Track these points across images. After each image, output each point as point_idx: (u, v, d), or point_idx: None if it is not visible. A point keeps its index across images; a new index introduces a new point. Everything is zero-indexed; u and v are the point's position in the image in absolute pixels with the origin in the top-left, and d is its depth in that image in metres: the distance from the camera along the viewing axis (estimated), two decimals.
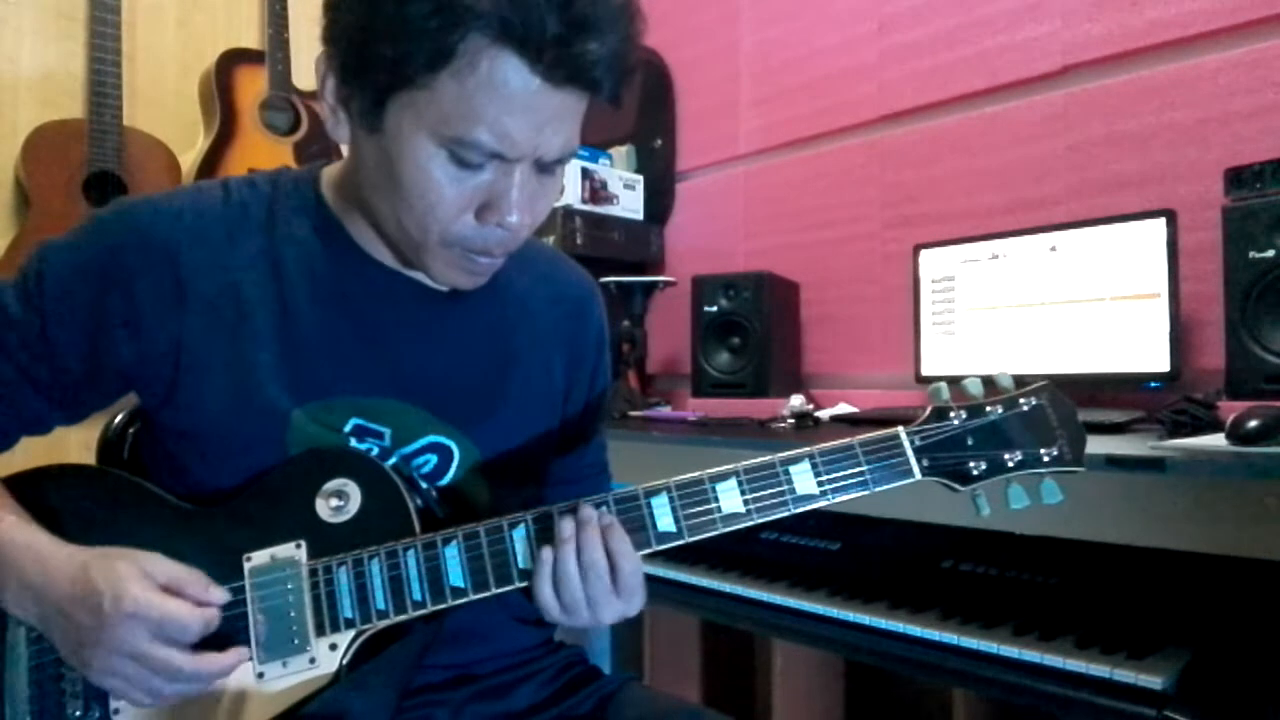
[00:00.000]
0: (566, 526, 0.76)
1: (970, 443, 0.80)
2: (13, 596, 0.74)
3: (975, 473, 0.80)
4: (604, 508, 0.77)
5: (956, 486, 0.80)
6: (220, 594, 0.75)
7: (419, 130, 0.71)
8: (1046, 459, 0.80)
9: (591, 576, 0.75)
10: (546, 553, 0.76)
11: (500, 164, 0.73)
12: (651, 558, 0.78)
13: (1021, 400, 0.81)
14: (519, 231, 0.77)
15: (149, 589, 0.71)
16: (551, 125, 0.72)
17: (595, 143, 2.36)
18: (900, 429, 0.80)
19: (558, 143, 0.74)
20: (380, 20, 0.68)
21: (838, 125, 2.05)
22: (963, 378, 0.82)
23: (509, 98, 0.69)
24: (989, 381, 0.82)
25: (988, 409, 0.81)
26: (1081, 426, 0.82)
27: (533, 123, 0.71)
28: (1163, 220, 1.41)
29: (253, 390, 0.80)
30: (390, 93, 0.71)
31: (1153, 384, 1.41)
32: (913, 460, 0.79)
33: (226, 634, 0.76)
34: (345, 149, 0.83)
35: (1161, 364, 1.40)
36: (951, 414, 0.80)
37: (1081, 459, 0.81)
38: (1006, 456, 0.80)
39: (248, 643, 0.76)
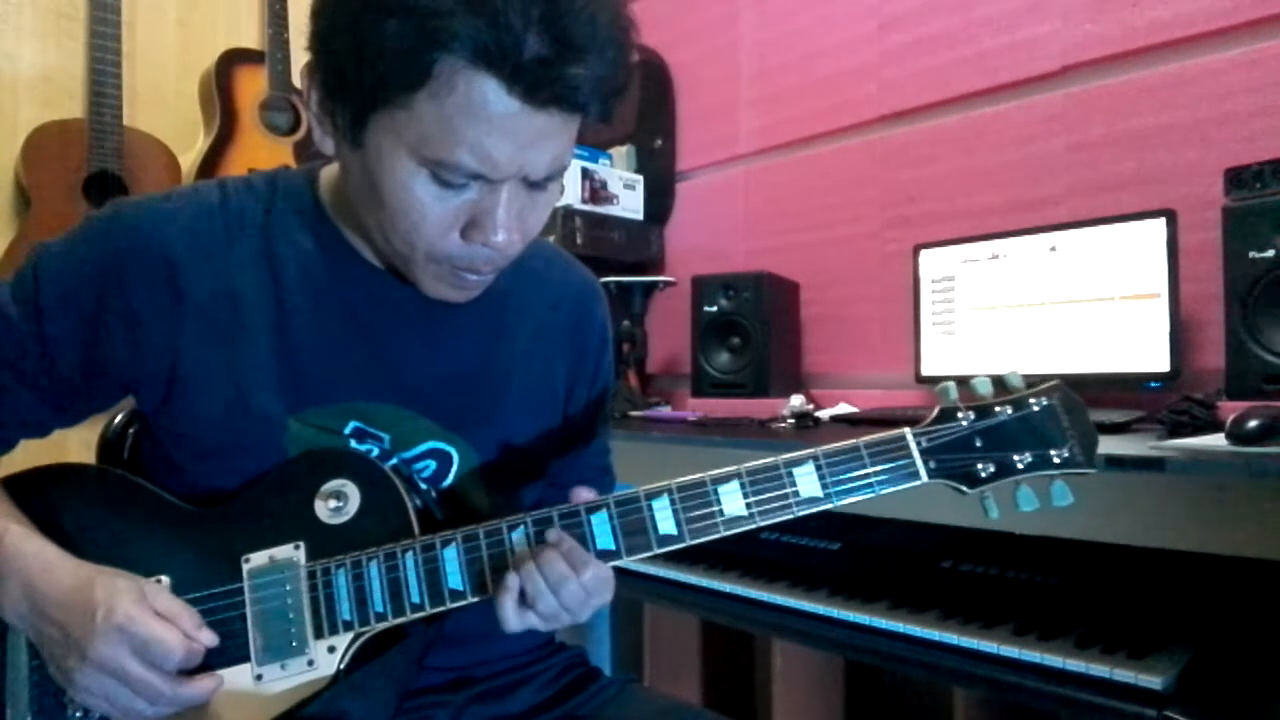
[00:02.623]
0: (524, 552, 0.76)
1: (978, 444, 0.78)
2: (12, 604, 0.74)
3: (984, 475, 0.78)
4: (552, 523, 0.77)
5: (964, 489, 0.78)
6: (209, 637, 0.75)
7: (399, 149, 0.69)
8: (1057, 460, 0.78)
9: (564, 593, 0.74)
10: (512, 579, 0.75)
11: (484, 183, 0.71)
12: (651, 558, 0.78)
13: (1032, 400, 0.79)
14: (507, 250, 0.75)
15: (143, 609, 0.72)
16: (536, 146, 0.70)
17: (595, 143, 2.35)
18: (907, 430, 0.78)
19: (544, 161, 0.72)
20: (356, 39, 0.67)
21: (838, 125, 2.05)
22: (964, 378, 0.81)
23: (488, 119, 0.67)
24: (998, 381, 0.80)
25: (996, 409, 0.79)
26: (1093, 427, 0.80)
27: (515, 144, 0.68)
28: (1163, 220, 1.40)
29: (249, 396, 0.80)
30: (370, 111, 0.70)
31: (1153, 384, 1.41)
32: (919, 462, 0.78)
33: (225, 635, 0.76)
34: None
35: (1161, 364, 1.39)
36: (959, 414, 0.79)
37: (1093, 460, 0.79)
38: (1016, 458, 0.78)
39: (245, 644, 0.76)
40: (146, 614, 0.72)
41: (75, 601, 0.72)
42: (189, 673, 0.74)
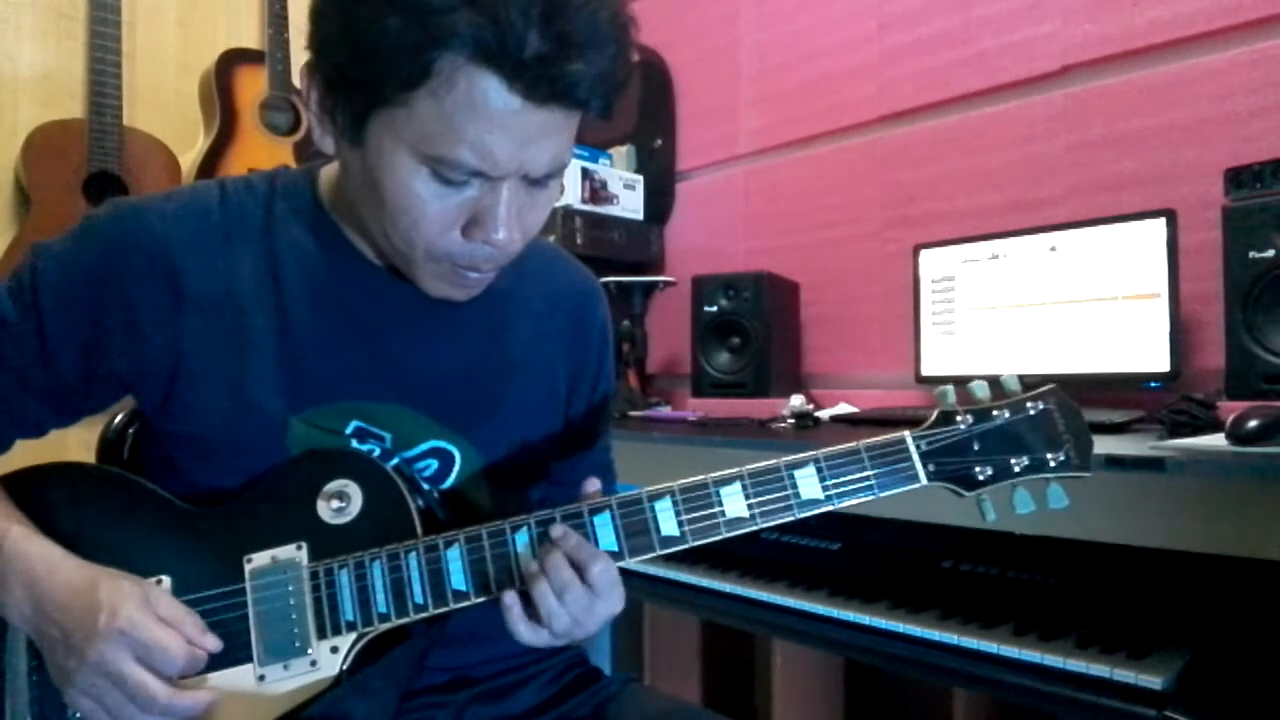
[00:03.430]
0: (532, 564, 0.75)
1: (976, 447, 0.79)
2: (14, 603, 0.74)
3: (981, 478, 0.79)
4: (553, 520, 0.76)
5: (962, 492, 0.79)
6: (213, 642, 0.74)
7: (399, 147, 0.70)
8: (1053, 464, 0.79)
9: (568, 598, 0.74)
10: (510, 597, 0.74)
11: (485, 181, 0.71)
12: (653, 558, 0.78)
13: (1028, 404, 0.80)
14: (507, 247, 0.75)
15: (147, 614, 0.71)
16: (537, 143, 0.70)
17: (595, 143, 2.35)
18: (906, 433, 0.79)
19: (545, 158, 0.72)
20: (356, 37, 0.67)
21: (838, 125, 2.05)
22: (963, 378, 0.81)
23: (489, 117, 0.67)
24: (995, 384, 0.81)
25: (994, 413, 0.80)
26: (1088, 431, 0.81)
27: (515, 141, 0.69)
28: (1163, 220, 1.41)
29: (251, 397, 0.80)
30: (370, 109, 0.70)
31: (1153, 384, 1.42)
32: (919, 465, 0.78)
33: (226, 636, 0.76)
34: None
35: (1161, 364, 1.40)
36: (958, 418, 0.79)
37: (1089, 464, 0.80)
38: (1013, 461, 0.79)
39: (248, 644, 0.76)
40: (150, 619, 0.71)
41: (78, 604, 0.71)
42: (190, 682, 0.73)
